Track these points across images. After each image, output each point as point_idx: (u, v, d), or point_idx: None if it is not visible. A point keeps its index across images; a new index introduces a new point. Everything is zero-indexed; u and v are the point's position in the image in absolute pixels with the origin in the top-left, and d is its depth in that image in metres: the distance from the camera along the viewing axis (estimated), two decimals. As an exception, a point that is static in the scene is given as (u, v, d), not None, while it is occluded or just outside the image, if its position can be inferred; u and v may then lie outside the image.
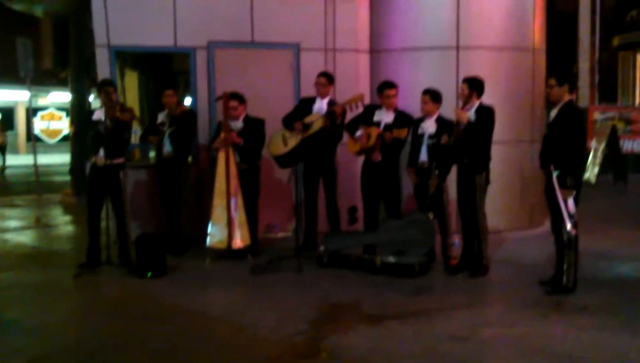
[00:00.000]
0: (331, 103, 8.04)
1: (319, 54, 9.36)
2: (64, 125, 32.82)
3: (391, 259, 7.27)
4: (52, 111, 33.42)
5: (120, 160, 7.56)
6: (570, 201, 6.34)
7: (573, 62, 19.80)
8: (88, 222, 7.62)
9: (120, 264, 7.58)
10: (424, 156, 7.41)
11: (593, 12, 19.81)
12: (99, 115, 7.56)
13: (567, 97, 6.52)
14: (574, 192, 6.34)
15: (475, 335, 5.51)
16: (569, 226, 6.33)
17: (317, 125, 7.83)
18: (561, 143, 6.38)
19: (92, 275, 7.42)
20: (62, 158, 23.84)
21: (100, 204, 7.62)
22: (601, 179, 13.59)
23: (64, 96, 29.53)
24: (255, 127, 7.97)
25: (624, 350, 5.11)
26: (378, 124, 7.65)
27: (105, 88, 7.55)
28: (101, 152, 7.45)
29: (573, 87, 6.65)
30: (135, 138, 9.06)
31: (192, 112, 8.44)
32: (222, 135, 7.70)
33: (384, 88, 7.73)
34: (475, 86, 7.10)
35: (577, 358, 4.92)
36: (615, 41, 22.97)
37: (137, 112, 8.04)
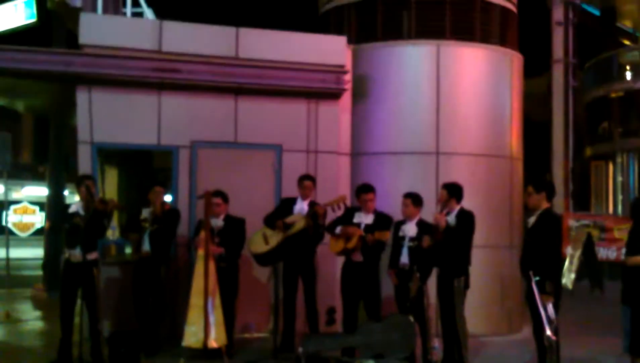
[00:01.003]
0: (312, 204, 8.09)
1: (300, 155, 9.47)
2: (36, 219, 32.53)
3: (371, 362, 7.14)
4: (25, 204, 33.21)
5: (94, 255, 7.48)
6: (550, 307, 6.34)
7: (547, 170, 20.24)
8: (61, 318, 7.46)
9: (92, 362, 7.36)
10: (404, 258, 7.44)
11: (566, 123, 20.41)
12: (75, 208, 7.54)
13: (545, 205, 6.65)
14: (553, 298, 6.35)
15: None
16: (548, 331, 6.30)
17: (299, 225, 7.86)
18: (540, 249, 6.46)
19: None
20: (34, 252, 23.43)
21: (74, 300, 7.49)
22: (577, 286, 13.62)
23: (38, 190, 29.40)
24: (235, 227, 7.97)
25: None
26: (358, 225, 7.69)
27: (85, 182, 7.54)
28: (77, 248, 7.38)
29: (551, 195, 6.80)
30: (112, 234, 9.01)
31: (176, 211, 8.43)
32: (202, 234, 7.67)
33: (361, 192, 7.84)
34: (454, 191, 7.26)
35: None
36: (588, 151, 23.63)
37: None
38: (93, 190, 7.55)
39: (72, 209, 7.60)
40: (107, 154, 9.86)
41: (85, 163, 8.78)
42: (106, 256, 8.76)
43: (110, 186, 11.12)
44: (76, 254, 7.38)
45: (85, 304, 7.52)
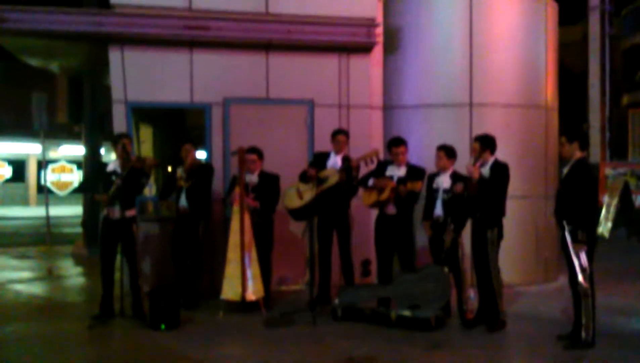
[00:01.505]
0: (345, 159, 8.10)
1: (333, 110, 9.47)
2: (74, 177, 33.09)
3: (407, 313, 7.22)
4: (63, 163, 33.72)
5: (132, 212, 7.63)
6: (583, 255, 6.36)
7: (584, 120, 19.96)
8: (101, 274, 7.63)
9: (133, 316, 7.56)
10: (439, 210, 7.45)
11: (602, 72, 20.02)
12: (113, 166, 7.65)
13: (578, 155, 6.61)
14: (586, 246, 6.35)
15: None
16: (581, 279, 6.34)
17: (333, 179, 7.89)
18: (573, 198, 6.44)
19: (106, 327, 7.39)
20: (73, 210, 23.93)
21: (114, 256, 7.65)
22: (614, 235, 13.54)
23: (75, 149, 29.81)
24: (270, 183, 8.05)
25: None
26: (391, 178, 7.71)
27: (122, 140, 7.65)
28: (116, 205, 7.52)
29: (584, 145, 6.74)
30: (150, 191, 9.13)
31: (208, 166, 8.51)
32: (237, 189, 7.75)
33: (393, 145, 7.84)
34: (487, 143, 7.21)
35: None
36: (625, 100, 23.19)
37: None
38: (129, 148, 7.65)
39: (109, 168, 7.70)
40: (142, 113, 9.93)
41: (119, 121, 8.89)
42: (144, 212, 8.89)
43: (145, 145, 11.22)
44: (115, 211, 7.52)
45: (125, 260, 7.69)
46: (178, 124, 12.07)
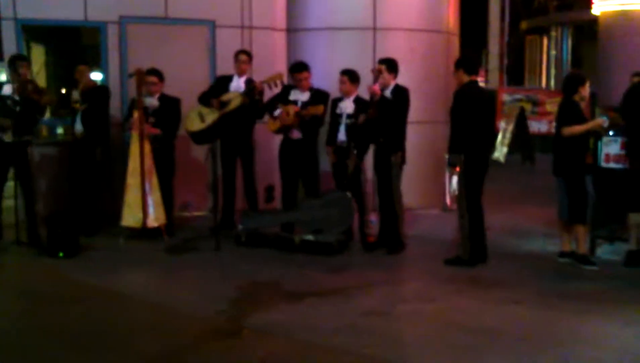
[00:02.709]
0: (249, 82, 7.96)
1: (235, 31, 9.23)
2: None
3: (309, 237, 7.28)
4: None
5: (29, 137, 7.32)
6: (454, 179, 6.70)
7: (483, 45, 20.31)
8: None
9: (29, 243, 7.32)
10: (342, 135, 7.46)
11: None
12: (8, 90, 7.28)
13: (465, 79, 6.78)
14: (455, 168, 6.71)
15: (394, 310, 5.62)
16: (448, 200, 6.64)
17: (236, 102, 7.74)
18: (454, 123, 6.76)
19: (1, 254, 7.12)
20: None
21: (4, 180, 7.37)
22: (509, 159, 14.03)
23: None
24: (171, 106, 7.81)
25: (539, 322, 5.29)
26: (295, 103, 7.64)
27: (18, 63, 7.30)
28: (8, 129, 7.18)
29: (470, 70, 6.88)
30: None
31: (103, 88, 8.19)
32: (136, 114, 7.50)
33: (295, 72, 7.77)
34: (392, 67, 7.21)
35: (496, 332, 5.06)
36: (523, 25, 23.70)
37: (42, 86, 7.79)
38: (26, 73, 7.29)
39: (4, 91, 7.31)
40: (33, 31, 9.41)
41: (9, 40, 8.44)
42: (38, 136, 8.52)
43: (37, 65, 10.68)
44: (8, 133, 7.18)
45: (19, 185, 7.39)
46: (72, 44, 11.51)
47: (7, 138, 7.19)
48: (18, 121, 7.18)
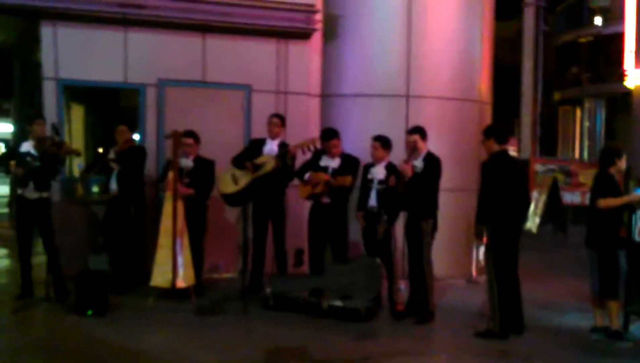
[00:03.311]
0: (282, 145, 8.05)
1: (270, 96, 9.38)
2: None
3: (338, 303, 7.22)
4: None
5: (47, 194, 7.50)
6: (481, 249, 6.61)
7: (516, 115, 20.35)
8: (19, 255, 7.57)
9: (56, 299, 7.39)
10: (373, 201, 7.47)
11: (535, 68, 20.44)
12: (27, 147, 7.50)
13: (496, 149, 6.77)
14: (481, 240, 6.66)
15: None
16: (473, 272, 6.55)
17: (269, 166, 7.83)
18: (484, 193, 6.78)
19: (30, 311, 7.19)
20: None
21: (30, 236, 7.58)
22: (542, 230, 13.88)
23: (4, 127, 28.91)
24: (205, 168, 7.92)
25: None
26: (326, 169, 7.70)
27: (35, 121, 7.55)
28: (29, 185, 7.36)
29: (501, 140, 6.89)
30: (79, 173, 8.90)
31: (140, 148, 8.33)
32: (171, 174, 7.61)
33: (325, 139, 7.84)
34: (424, 134, 7.26)
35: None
36: (556, 96, 23.75)
37: (80, 146, 7.95)
38: (43, 131, 7.48)
39: (23, 148, 7.53)
40: (74, 92, 9.65)
41: (50, 99, 8.64)
42: (72, 194, 8.66)
43: (76, 125, 10.92)
44: (30, 191, 7.37)
45: (43, 241, 7.53)
46: (112, 105, 11.78)
47: (29, 195, 7.36)
48: (37, 177, 7.36)
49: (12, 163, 7.50)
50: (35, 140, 7.41)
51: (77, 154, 8.05)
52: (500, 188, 6.66)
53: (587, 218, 6.97)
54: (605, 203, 6.59)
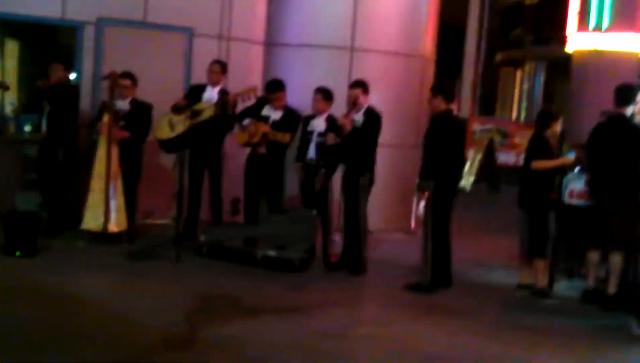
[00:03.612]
0: (222, 93, 7.94)
1: (212, 41, 9.20)
2: None
3: (272, 253, 7.24)
4: None
5: None
6: (422, 203, 6.71)
7: (457, 74, 20.46)
8: None
9: None
10: (312, 153, 7.47)
11: (480, 27, 20.54)
12: None
13: (442, 107, 6.83)
14: (424, 194, 6.75)
15: (350, 332, 5.62)
16: (412, 223, 6.68)
17: (208, 113, 7.71)
18: (428, 149, 6.83)
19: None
20: None
21: None
22: (475, 189, 14.15)
23: None
24: (142, 111, 7.75)
25: (490, 352, 5.34)
26: (267, 119, 7.65)
27: None
28: None
29: (449, 98, 6.96)
30: (11, 111, 8.64)
31: (73, 87, 8.11)
32: (106, 117, 7.44)
33: (269, 91, 7.79)
34: (367, 88, 7.25)
35: (447, 359, 5.09)
36: (498, 57, 23.97)
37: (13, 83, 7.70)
38: None
39: None
40: (9, 27, 9.30)
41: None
42: (4, 133, 8.41)
43: (11, 61, 10.55)
44: None
45: None
46: (49, 41, 11.39)
47: None
48: None
49: None
50: None
51: (6, 88, 7.78)
52: (444, 146, 6.75)
53: (520, 179, 7.13)
54: (538, 164, 6.74)
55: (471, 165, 13.76)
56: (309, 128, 7.56)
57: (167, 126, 7.79)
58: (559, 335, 5.90)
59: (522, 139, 13.47)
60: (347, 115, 7.11)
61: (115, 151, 7.42)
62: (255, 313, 5.76)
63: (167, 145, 7.85)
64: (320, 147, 7.42)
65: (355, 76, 7.85)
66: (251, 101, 7.85)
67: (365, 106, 7.23)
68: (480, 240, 9.89)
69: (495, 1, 22.76)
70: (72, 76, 8.96)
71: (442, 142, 6.76)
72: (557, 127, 7.01)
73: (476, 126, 14.79)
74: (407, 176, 9.52)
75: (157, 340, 5.02)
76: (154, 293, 6.16)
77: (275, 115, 7.68)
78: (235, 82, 8.39)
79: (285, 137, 7.47)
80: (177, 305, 5.78)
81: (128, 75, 7.71)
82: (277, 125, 7.57)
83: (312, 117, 7.60)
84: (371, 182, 7.27)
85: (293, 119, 7.67)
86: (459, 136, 7.12)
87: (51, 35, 11.14)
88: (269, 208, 7.72)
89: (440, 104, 6.88)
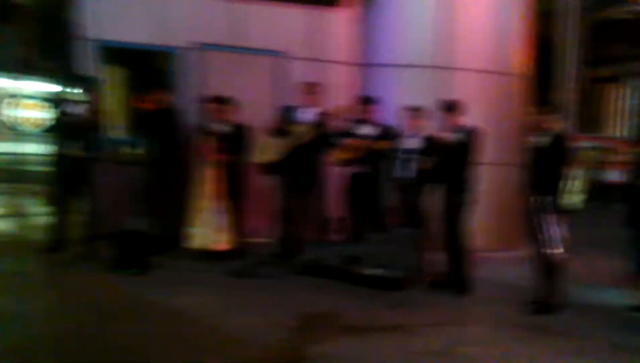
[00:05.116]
0: (320, 114, 8.00)
1: (306, 63, 9.33)
2: (47, 115, 32.26)
3: (375, 272, 7.23)
4: (36, 100, 32.84)
5: (89, 153, 7.58)
6: (562, 225, 6.48)
7: (551, 90, 20.02)
8: (57, 211, 7.67)
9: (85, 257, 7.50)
10: (411, 172, 7.44)
11: (573, 43, 20.08)
12: (72, 107, 7.57)
13: (558, 126, 6.68)
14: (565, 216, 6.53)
15: (454, 352, 5.52)
16: (559, 249, 6.47)
17: (307, 135, 7.79)
18: (553, 169, 6.58)
19: (69, 268, 7.26)
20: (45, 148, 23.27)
21: (68, 193, 7.65)
22: (582, 208, 13.72)
23: (47, 87, 29.10)
24: (241, 133, 7.93)
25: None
26: (362, 137, 7.68)
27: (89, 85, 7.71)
28: (72, 142, 7.48)
29: (562, 117, 6.82)
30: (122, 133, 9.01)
31: (175, 111, 8.38)
32: (208, 140, 7.66)
33: (364, 104, 7.89)
34: (452, 108, 7.19)
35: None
36: (594, 73, 23.32)
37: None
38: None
39: (68, 108, 7.60)
40: (110, 53, 9.70)
41: (85, 60, 8.70)
42: (116, 154, 8.73)
43: (112, 85, 10.99)
44: (71, 149, 7.47)
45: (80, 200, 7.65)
46: (149, 66, 11.80)
47: (69, 152, 7.47)
48: (81, 137, 7.48)
49: None
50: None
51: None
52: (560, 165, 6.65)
53: (627, 197, 6.91)
54: None
55: (579, 183, 13.39)
56: (406, 147, 7.55)
57: (268, 149, 7.91)
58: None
59: (625, 156, 13.04)
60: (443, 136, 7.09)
61: (221, 172, 7.61)
62: (358, 332, 5.76)
63: (270, 168, 7.97)
64: (417, 166, 7.38)
65: (450, 95, 7.76)
66: (346, 122, 7.91)
67: (459, 125, 7.15)
68: (590, 259, 9.55)
69: (588, 16, 22.21)
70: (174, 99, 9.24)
71: (562, 161, 6.62)
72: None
73: (579, 144, 14.40)
74: (509, 195, 9.34)
75: (261, 356, 5.07)
76: (259, 310, 6.25)
77: (370, 131, 7.75)
78: (328, 103, 8.42)
79: (384, 144, 7.50)
80: (281, 322, 5.83)
81: (225, 99, 7.94)
82: (374, 140, 7.64)
83: (408, 136, 7.59)
84: (471, 200, 7.17)
85: (388, 132, 7.72)
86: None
87: (150, 60, 11.56)
88: (372, 226, 7.72)
89: (555, 123, 6.73)
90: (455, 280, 7.20)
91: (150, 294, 6.50)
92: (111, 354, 4.96)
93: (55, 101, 13.52)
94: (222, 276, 7.26)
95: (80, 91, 7.63)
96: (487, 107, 9.17)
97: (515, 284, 7.54)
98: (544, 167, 6.63)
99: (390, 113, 8.13)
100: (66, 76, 13.82)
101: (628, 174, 7.12)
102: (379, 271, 7.21)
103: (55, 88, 13.84)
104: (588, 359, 5.47)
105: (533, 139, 6.90)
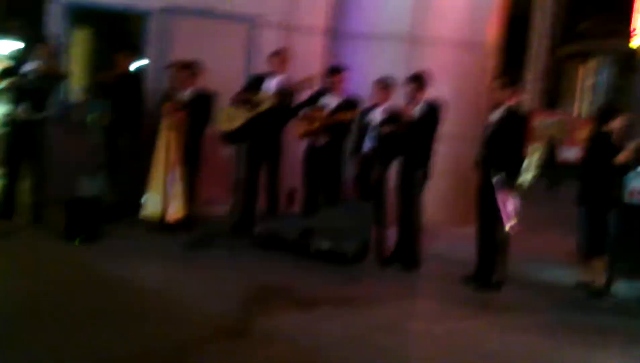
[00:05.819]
0: (282, 83, 7.95)
1: (275, 30, 9.23)
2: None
3: (326, 245, 7.27)
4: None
5: (40, 116, 7.42)
6: (512, 202, 6.51)
7: (520, 65, 20.13)
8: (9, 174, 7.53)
9: (33, 223, 7.43)
10: (368, 144, 7.44)
11: (545, 20, 20.15)
12: (28, 68, 7.40)
13: (512, 101, 6.68)
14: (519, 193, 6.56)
15: (402, 327, 5.61)
16: (508, 226, 6.51)
17: (267, 104, 7.74)
18: (505, 145, 6.52)
19: (14, 235, 7.12)
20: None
21: (19, 158, 7.52)
22: (535, 185, 13.91)
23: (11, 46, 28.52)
24: (204, 101, 7.83)
25: (544, 351, 5.29)
26: (323, 108, 7.66)
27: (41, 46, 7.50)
28: (22, 106, 7.32)
29: (518, 92, 6.84)
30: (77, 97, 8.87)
31: (136, 76, 8.26)
32: (169, 105, 7.57)
33: (330, 74, 7.84)
34: (421, 83, 7.16)
35: (500, 357, 5.06)
36: (563, 50, 23.48)
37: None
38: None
39: (25, 68, 7.44)
40: (79, 14, 9.53)
41: (55, 22, 8.57)
42: (69, 119, 8.62)
43: (77, 48, 10.80)
44: (20, 112, 7.31)
45: (30, 163, 7.53)
46: (118, 29, 11.62)
47: (21, 116, 7.31)
48: (32, 98, 7.31)
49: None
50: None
51: (64, 77, 8.00)
52: (514, 141, 6.67)
53: (580, 176, 6.99)
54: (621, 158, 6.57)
55: (530, 161, 13.53)
56: (367, 120, 7.55)
57: (227, 117, 7.85)
58: (613, 335, 5.79)
59: (583, 134, 13.19)
60: (405, 109, 7.07)
61: (175, 140, 7.54)
62: (307, 305, 5.79)
63: (228, 137, 7.93)
64: (377, 138, 7.38)
65: (417, 67, 7.74)
66: (309, 92, 7.85)
67: (423, 99, 7.15)
68: (538, 237, 9.70)
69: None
70: (142, 63, 9.13)
71: (519, 138, 6.65)
72: (618, 123, 6.83)
73: (538, 121, 14.51)
74: (467, 169, 9.42)
75: (210, 328, 5.07)
76: (209, 282, 6.24)
77: (334, 102, 7.69)
78: (295, 73, 8.38)
79: (346, 115, 7.46)
80: (231, 294, 5.85)
81: (187, 65, 7.80)
82: (335, 112, 7.60)
83: (370, 109, 7.57)
84: (427, 176, 7.21)
85: (351, 104, 7.65)
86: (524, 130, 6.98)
87: (119, 23, 11.38)
88: (327, 199, 7.74)
89: (510, 98, 6.72)
90: (406, 255, 7.25)
91: (99, 264, 6.44)
92: (54, 328, 4.85)
93: (15, 60, 13.32)
94: (175, 247, 7.21)
95: (41, 50, 7.41)
96: (457, 81, 9.19)
97: (467, 260, 7.58)
98: (496, 142, 6.64)
99: (363, 84, 8.09)
100: (29, 36, 13.60)
101: (583, 152, 7.20)
102: (332, 245, 7.23)
103: (18, 47, 13.64)
104: (531, 336, 5.57)
105: (490, 114, 6.94)
